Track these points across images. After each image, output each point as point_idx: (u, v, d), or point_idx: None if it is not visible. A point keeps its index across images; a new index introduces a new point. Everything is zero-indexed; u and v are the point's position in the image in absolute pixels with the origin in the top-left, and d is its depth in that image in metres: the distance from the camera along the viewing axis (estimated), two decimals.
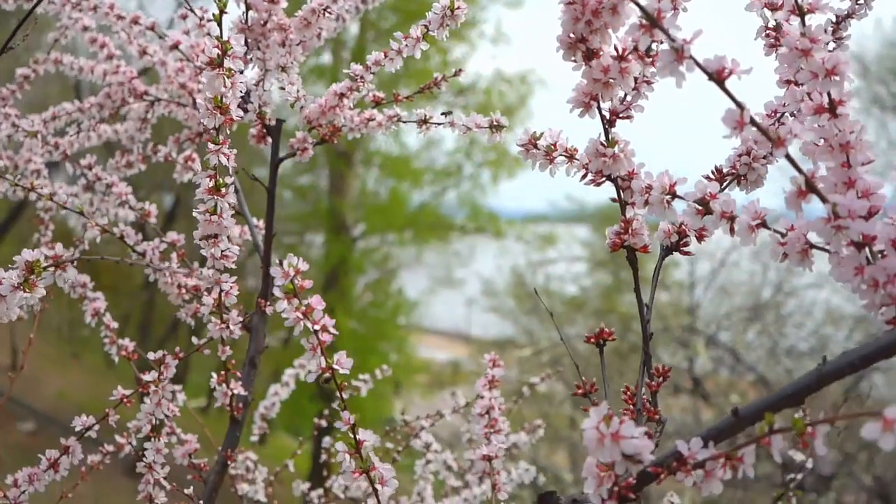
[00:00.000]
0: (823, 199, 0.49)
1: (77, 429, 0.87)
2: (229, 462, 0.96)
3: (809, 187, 0.49)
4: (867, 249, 0.49)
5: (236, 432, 0.97)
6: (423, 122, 0.90)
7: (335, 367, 0.60)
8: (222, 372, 0.93)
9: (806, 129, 0.50)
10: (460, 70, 0.95)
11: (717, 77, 0.49)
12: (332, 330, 0.60)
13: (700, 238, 0.64)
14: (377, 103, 0.96)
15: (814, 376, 0.48)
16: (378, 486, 0.62)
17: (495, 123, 0.82)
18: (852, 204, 0.48)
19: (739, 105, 0.49)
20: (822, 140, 0.52)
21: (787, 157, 0.49)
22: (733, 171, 0.66)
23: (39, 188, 0.91)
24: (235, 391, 0.94)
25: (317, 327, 0.59)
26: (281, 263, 0.58)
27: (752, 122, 0.49)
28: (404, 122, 0.92)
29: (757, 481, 5.85)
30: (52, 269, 0.65)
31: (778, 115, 0.67)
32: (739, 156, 0.65)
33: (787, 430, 0.45)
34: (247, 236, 1.08)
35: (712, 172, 0.66)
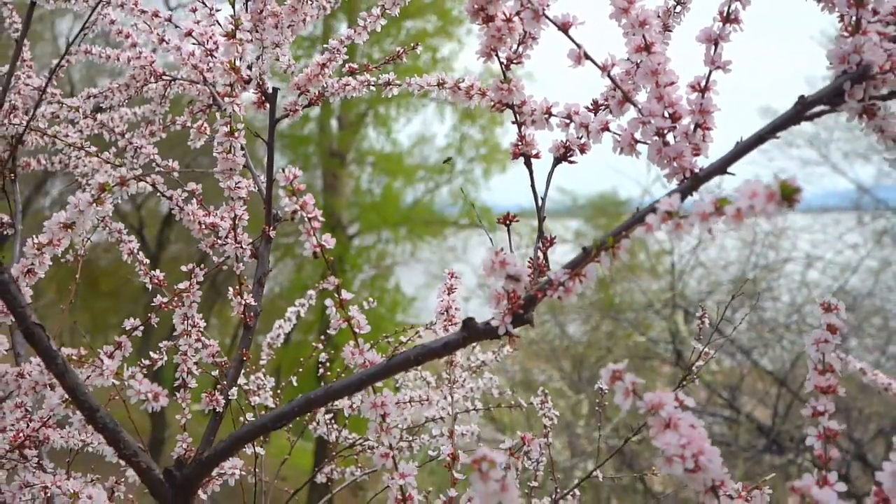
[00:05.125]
0: (635, 105, 0.75)
1: (126, 328, 1.12)
2: (245, 359, 1.21)
3: (626, 98, 0.75)
4: (665, 137, 0.75)
5: (249, 336, 1.22)
6: (387, 84, 1.16)
7: (323, 243, 0.86)
8: (237, 286, 1.18)
9: (624, 60, 0.76)
10: (417, 44, 1.21)
11: (563, 27, 0.74)
12: (320, 218, 0.85)
13: (582, 151, 0.90)
14: (352, 73, 1.22)
15: (634, 218, 0.73)
16: (357, 331, 0.87)
17: (441, 81, 1.07)
18: (652, 107, 0.74)
19: (578, 45, 0.74)
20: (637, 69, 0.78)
21: (610, 78, 0.74)
22: (605, 102, 0.91)
23: (63, 136, 1.16)
24: (248, 302, 1.20)
25: (310, 215, 0.85)
26: (283, 170, 0.84)
27: (586, 55, 0.74)
28: (373, 85, 1.18)
29: (743, 450, 6.13)
30: (118, 186, 0.90)
31: None
32: (609, 90, 0.91)
33: (608, 246, 0.70)
34: (251, 187, 1.34)
35: (591, 103, 0.92)
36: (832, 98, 0.67)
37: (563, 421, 7.36)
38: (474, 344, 1.84)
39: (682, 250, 6.95)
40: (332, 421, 1.63)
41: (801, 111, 0.68)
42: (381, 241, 11.91)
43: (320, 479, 1.65)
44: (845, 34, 0.68)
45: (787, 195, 0.52)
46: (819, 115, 0.70)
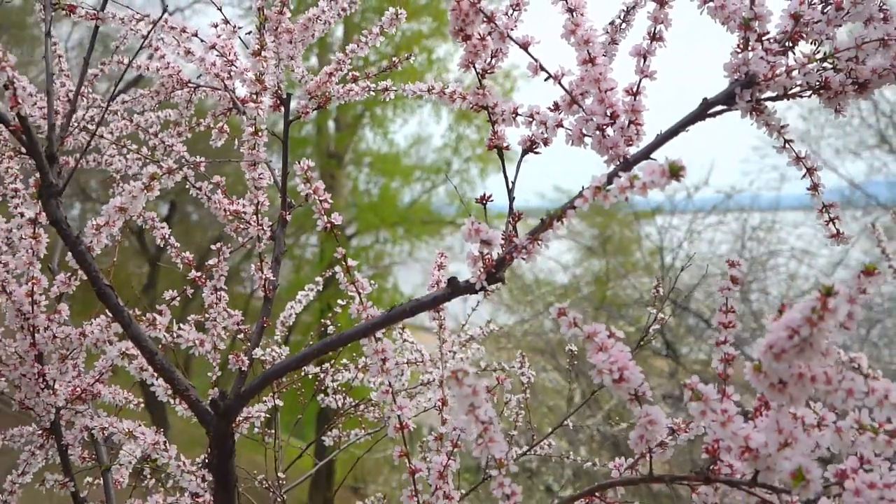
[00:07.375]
0: (580, 106, 0.95)
1: (167, 298, 1.32)
2: (265, 326, 1.41)
3: (573, 100, 0.95)
4: (605, 131, 0.95)
5: (269, 307, 1.42)
6: (386, 90, 1.36)
7: (332, 220, 1.06)
8: (258, 262, 1.38)
9: (574, 71, 0.96)
10: (410, 55, 1.41)
11: (524, 46, 0.94)
12: (329, 200, 1.05)
13: (545, 144, 1.10)
14: (354, 80, 1.42)
15: (577, 195, 0.93)
16: (360, 291, 1.07)
17: (430, 88, 1.27)
18: (594, 108, 0.94)
19: (535, 60, 0.95)
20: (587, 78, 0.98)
21: (560, 85, 0.95)
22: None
23: (103, 134, 1.36)
24: (268, 276, 1.40)
25: (321, 198, 1.05)
26: (299, 162, 1.04)
27: (542, 67, 0.94)
28: (373, 91, 1.38)
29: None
30: (165, 175, 1.10)
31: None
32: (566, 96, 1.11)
33: (559, 216, 0.90)
34: (270, 181, 1.54)
35: (553, 104, 1.12)
36: (727, 100, 0.88)
37: (559, 413, 7.55)
38: (465, 323, 2.04)
39: (673, 244, 7.16)
40: (340, 390, 1.82)
41: (705, 109, 0.89)
42: (378, 241, 12.09)
43: (328, 441, 1.85)
44: (737, 50, 0.88)
45: (674, 172, 0.72)
46: (720, 112, 0.90)
